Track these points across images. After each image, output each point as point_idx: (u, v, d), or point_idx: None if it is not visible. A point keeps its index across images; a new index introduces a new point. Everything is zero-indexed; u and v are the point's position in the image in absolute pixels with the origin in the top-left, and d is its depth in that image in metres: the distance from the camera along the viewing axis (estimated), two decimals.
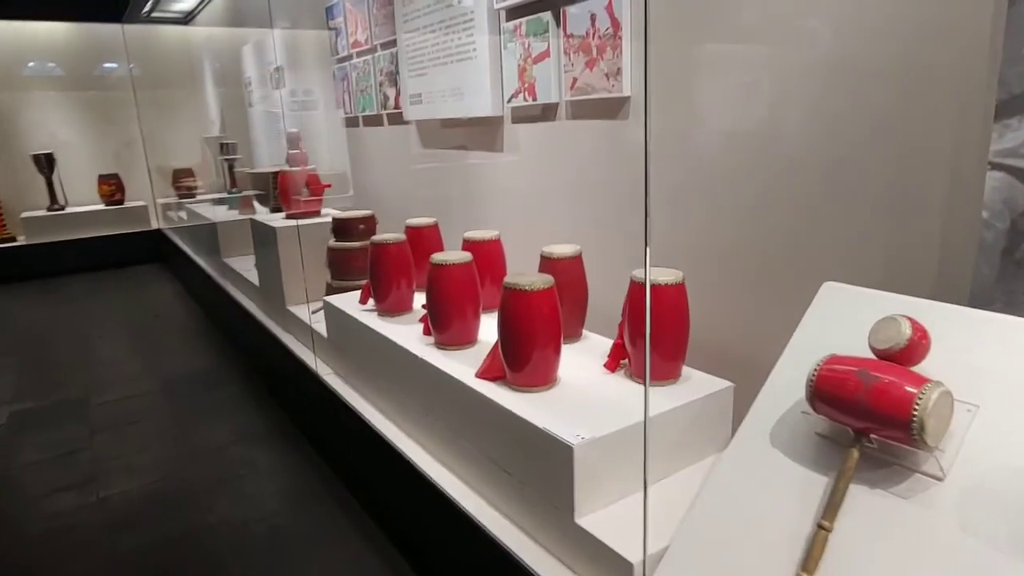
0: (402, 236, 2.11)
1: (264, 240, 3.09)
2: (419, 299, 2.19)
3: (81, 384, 3.38)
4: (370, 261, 2.11)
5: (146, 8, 6.22)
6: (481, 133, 2.43)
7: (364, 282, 2.65)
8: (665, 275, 1.45)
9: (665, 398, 1.43)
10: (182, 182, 6.31)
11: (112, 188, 6.52)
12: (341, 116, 3.56)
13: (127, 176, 6.70)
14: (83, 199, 6.55)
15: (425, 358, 1.73)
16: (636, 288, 1.49)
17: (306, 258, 2.92)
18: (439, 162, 2.74)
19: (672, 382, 1.50)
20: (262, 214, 3.57)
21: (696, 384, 1.50)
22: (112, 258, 6.36)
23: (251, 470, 2.46)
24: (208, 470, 2.47)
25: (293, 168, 3.04)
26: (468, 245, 2.05)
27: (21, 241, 6.11)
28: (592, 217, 1.99)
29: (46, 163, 6.20)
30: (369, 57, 3.08)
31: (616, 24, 1.72)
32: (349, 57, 3.30)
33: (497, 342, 1.55)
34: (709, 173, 1.61)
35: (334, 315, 2.33)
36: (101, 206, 6.52)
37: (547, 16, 1.95)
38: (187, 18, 6.69)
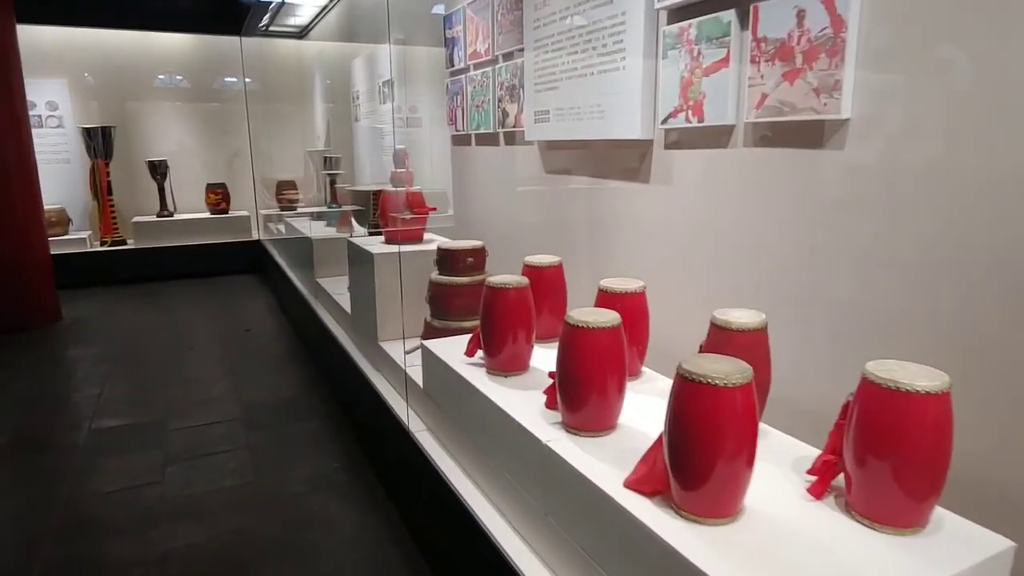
0: (524, 280, 1.74)
1: (360, 264, 2.81)
2: (540, 358, 1.80)
3: (163, 404, 3.21)
4: (483, 306, 1.74)
5: (263, 22, 6.29)
6: (621, 159, 2.03)
7: (468, 324, 2.31)
8: (925, 378, 0.99)
9: (909, 556, 0.96)
10: (284, 194, 6.28)
11: (218, 197, 6.58)
12: (450, 134, 3.27)
13: (233, 186, 6.76)
14: (191, 206, 6.65)
15: (551, 445, 1.33)
16: (873, 391, 1.03)
17: (405, 289, 2.61)
18: (563, 190, 2.37)
19: (915, 532, 1.03)
20: (360, 235, 3.32)
21: (955, 538, 1.02)
22: (213, 266, 6.40)
23: (324, 531, 2.13)
24: (278, 525, 2.16)
25: (397, 188, 2.75)
26: (606, 297, 1.65)
27: (131, 244, 6.23)
28: (775, 275, 1.54)
29: (159, 170, 6.33)
30: (489, 69, 2.76)
31: (839, 22, 1.28)
32: (465, 70, 3.01)
33: (661, 443, 1.13)
34: (979, 229, 1.14)
35: (433, 363, 1.98)
36: (207, 214, 6.60)
37: (729, 15, 1.54)
38: (302, 32, 6.73)
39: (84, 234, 6.09)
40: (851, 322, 1.34)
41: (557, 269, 1.99)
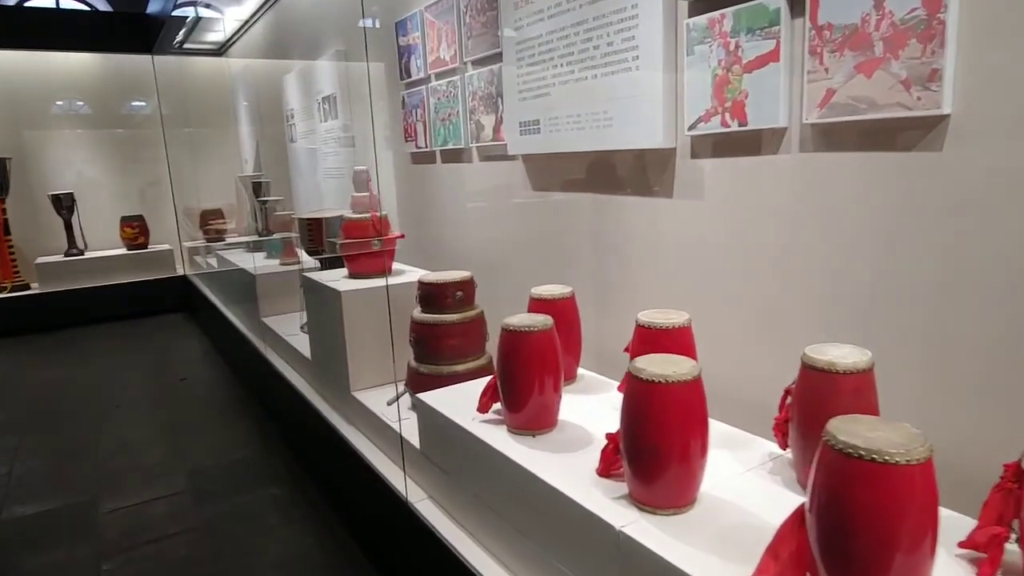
0: (548, 321, 1.46)
1: (322, 303, 2.46)
2: (571, 408, 1.53)
3: (91, 479, 2.74)
4: (502, 354, 1.46)
5: (178, 38, 5.79)
6: (634, 171, 1.80)
7: (462, 367, 2.02)
8: None
9: None
10: (211, 224, 5.78)
11: (135, 231, 5.99)
12: (408, 151, 2.96)
13: (152, 218, 6.17)
14: (104, 242, 6.02)
15: (627, 531, 1.06)
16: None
17: (373, 329, 2.29)
18: (556, 208, 2.11)
19: None
20: (313, 269, 2.97)
21: None
22: (133, 307, 5.80)
23: None
24: None
25: (359, 213, 2.42)
26: (650, 332, 1.40)
27: (35, 289, 5.56)
28: (847, 304, 1.33)
29: (65, 204, 5.69)
30: (456, 79, 2.49)
31: (935, 1, 1.09)
32: (425, 80, 2.72)
33: (793, 528, 0.88)
34: None
35: (432, 418, 1.67)
36: (123, 250, 5.99)
37: (777, 2, 1.33)
38: (221, 49, 6.25)
39: None
40: (990, 366, 1.13)
41: (570, 301, 1.74)
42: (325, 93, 3.77)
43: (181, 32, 5.71)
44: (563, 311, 1.70)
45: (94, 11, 6.27)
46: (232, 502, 2.48)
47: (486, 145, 2.38)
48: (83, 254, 5.81)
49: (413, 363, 2.08)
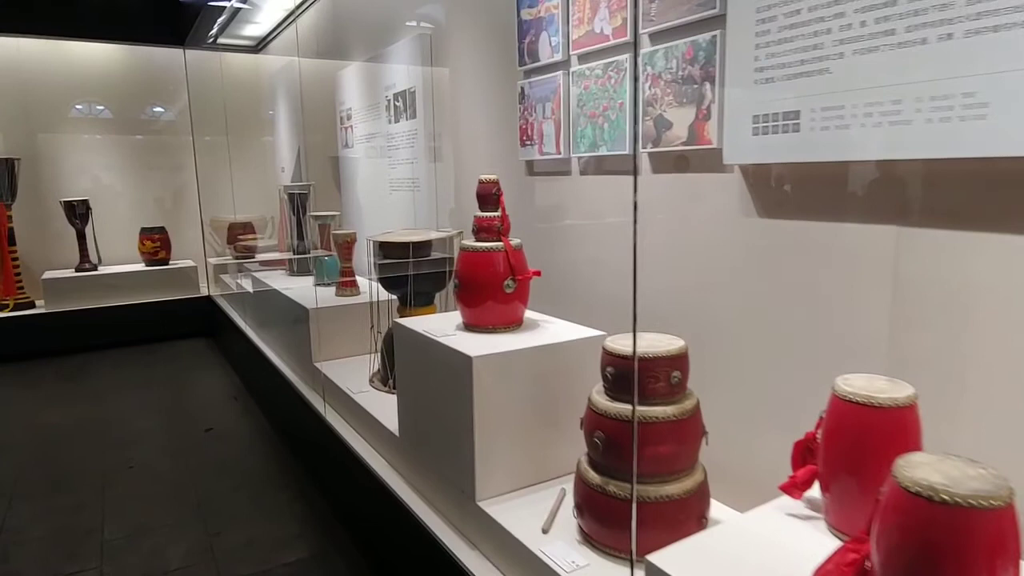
0: (1006, 491, 0.75)
1: (429, 366, 1.75)
2: None
3: None
4: (922, 543, 0.75)
5: (212, 31, 5.16)
6: (1006, 191, 1.08)
7: (675, 489, 1.30)
8: None
9: None
10: (241, 239, 5.11)
11: (156, 244, 5.32)
12: (525, 159, 2.27)
13: (174, 231, 5.51)
14: (120, 257, 5.36)
15: None
16: None
17: (515, 411, 1.58)
18: (814, 248, 1.40)
19: None
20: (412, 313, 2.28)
21: None
22: (151, 330, 5.12)
23: None
24: None
25: (487, 243, 1.72)
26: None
27: (41, 307, 4.89)
28: None
29: (78, 212, 5.04)
30: (622, 59, 1.79)
31: None
32: (562, 64, 2.03)
33: None
34: None
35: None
36: (140, 265, 5.32)
37: None
38: (258, 45, 5.63)
39: None
40: None
41: (912, 410, 1.02)
42: (398, 88, 3.09)
43: (215, 25, 5.09)
44: (902, 423, 1.01)
45: None
46: None
47: (671, 150, 1.68)
48: (96, 269, 5.15)
49: (591, 474, 1.35)
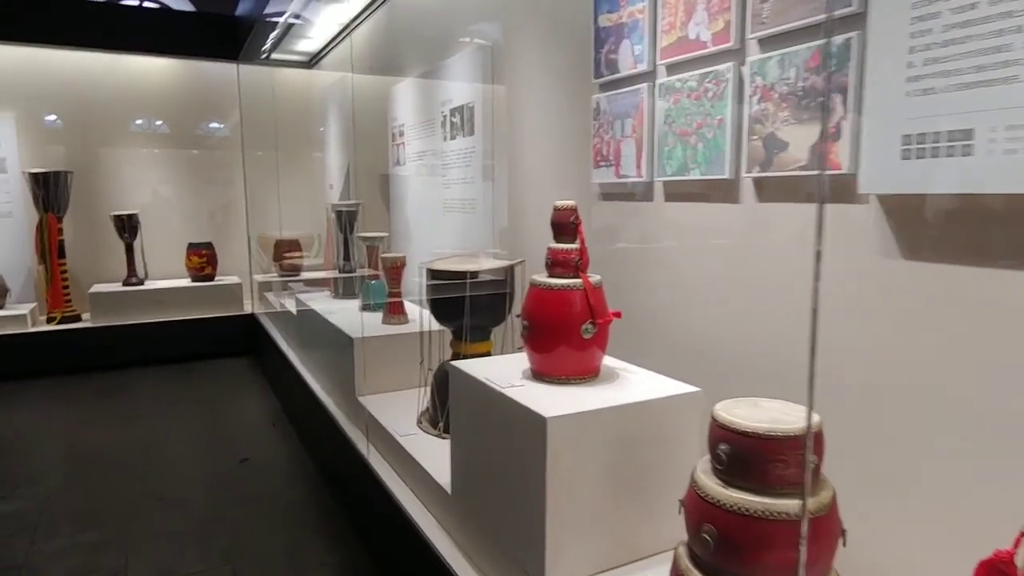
0: None
1: (488, 419, 1.51)
2: None
3: None
4: None
5: (266, 46, 5.10)
6: None
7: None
8: None
9: None
10: (287, 257, 5.00)
11: (203, 260, 5.25)
12: (598, 181, 2.03)
13: (221, 246, 5.44)
14: (167, 272, 5.31)
15: None
16: None
17: (593, 480, 1.33)
18: (969, 300, 1.12)
19: None
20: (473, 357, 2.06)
21: None
22: (194, 347, 5.02)
23: None
24: None
25: (563, 280, 1.48)
26: None
27: (86, 321, 4.85)
28: None
29: (128, 225, 5.00)
30: (723, 68, 1.55)
31: None
32: (646, 76, 1.80)
33: None
34: None
35: None
36: (187, 281, 5.25)
37: None
38: (312, 61, 5.57)
39: (25, 308, 4.70)
40: None
41: None
42: (455, 103, 2.90)
43: (269, 39, 5.03)
44: None
45: (176, 11, 5.68)
46: None
47: (786, 175, 1.42)
48: (143, 283, 5.09)
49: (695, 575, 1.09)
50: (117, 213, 4.98)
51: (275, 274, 5.09)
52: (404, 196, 3.68)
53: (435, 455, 1.98)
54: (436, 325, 2.32)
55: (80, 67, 5.11)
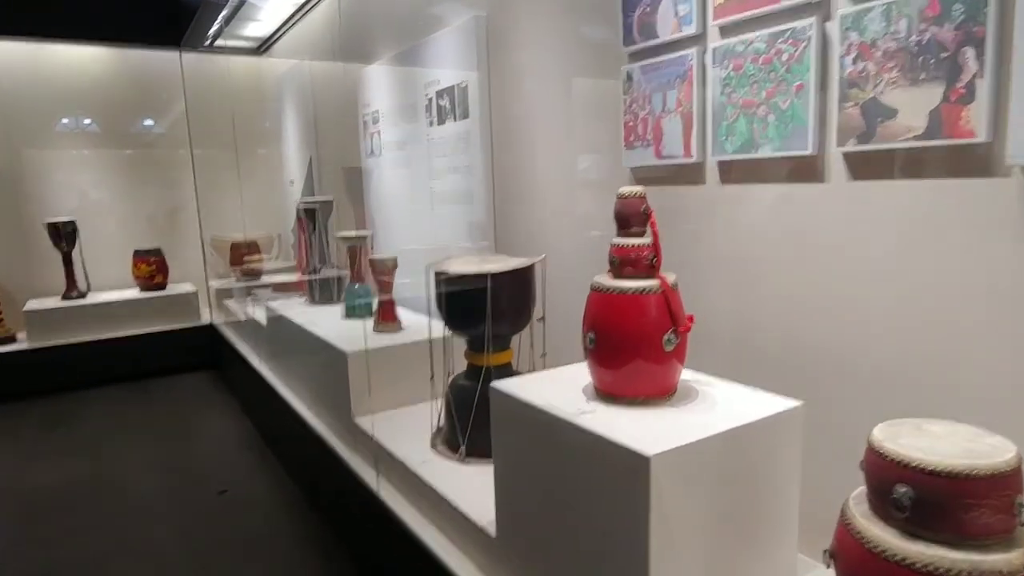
0: None
1: (548, 451, 1.26)
2: None
3: None
4: None
5: (212, 30, 4.66)
6: None
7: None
8: None
9: None
10: (247, 261, 4.61)
11: (152, 268, 4.80)
12: (631, 165, 1.80)
13: (171, 253, 4.99)
14: (112, 282, 4.84)
15: None
16: None
17: (701, 529, 1.10)
18: None
19: None
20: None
21: None
22: (147, 364, 4.59)
23: None
24: None
25: (632, 282, 1.24)
26: None
27: (21, 342, 4.36)
28: None
29: (64, 234, 4.51)
30: (801, 24, 1.32)
31: None
32: (694, 40, 1.56)
33: None
34: None
35: None
36: (135, 292, 4.80)
37: None
38: (261, 47, 5.15)
39: None
40: None
41: None
42: (443, 84, 2.61)
43: (215, 24, 4.59)
44: None
45: None
46: None
47: (894, 148, 1.20)
48: (85, 296, 4.62)
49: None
50: (52, 221, 4.49)
51: (234, 279, 4.70)
52: (381, 189, 3.36)
53: (461, 485, 1.73)
54: (439, 331, 2.05)
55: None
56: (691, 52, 1.57)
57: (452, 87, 2.55)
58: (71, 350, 4.38)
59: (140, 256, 4.80)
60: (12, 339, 4.37)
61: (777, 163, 1.44)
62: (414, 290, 2.61)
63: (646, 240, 1.26)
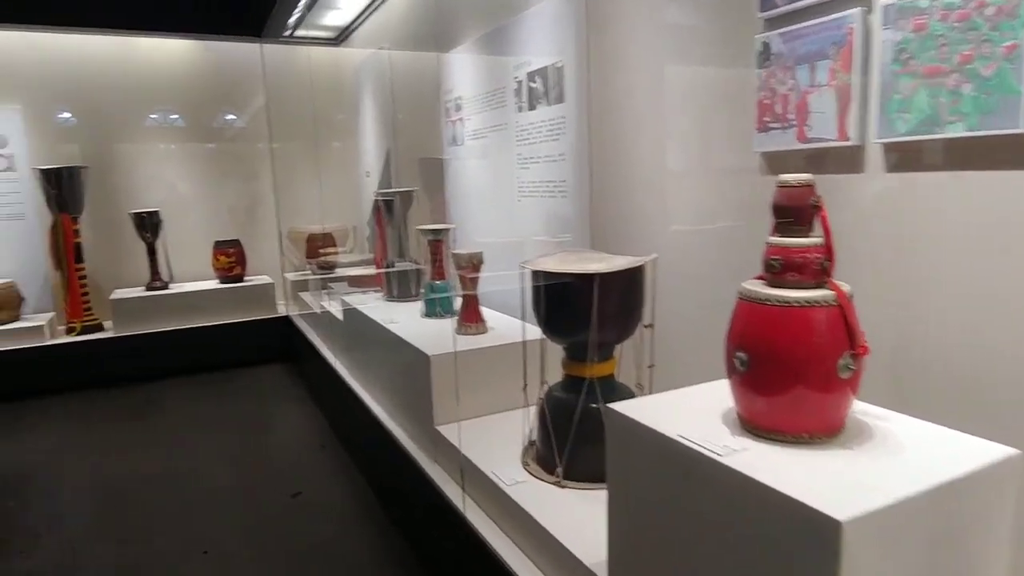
0: None
1: (687, 497, 1.04)
2: None
3: None
4: None
5: (291, 20, 4.61)
6: None
7: None
8: None
9: None
10: (322, 253, 4.57)
11: (231, 260, 4.82)
12: (763, 150, 1.54)
13: (248, 244, 5.00)
14: (192, 273, 4.88)
15: None
16: None
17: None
18: None
19: None
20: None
21: None
22: (224, 355, 4.60)
23: None
24: None
25: (801, 292, 1.00)
26: None
27: (108, 330, 4.44)
28: None
29: (149, 224, 4.57)
30: None
31: None
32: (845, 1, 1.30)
33: None
34: None
35: None
36: (214, 282, 4.83)
37: None
38: (339, 37, 5.08)
39: (42, 319, 4.30)
40: None
41: None
42: (534, 66, 2.41)
43: (294, 15, 4.54)
44: None
45: None
46: None
47: None
48: (168, 287, 4.67)
49: None
50: (137, 211, 4.56)
51: (310, 272, 4.66)
52: (463, 181, 3.19)
53: (559, 512, 1.53)
54: (532, 335, 1.85)
55: (86, 53, 4.65)
56: (853, 12, 1.30)
57: (545, 68, 2.34)
58: (154, 339, 4.43)
59: (220, 247, 4.82)
60: (99, 327, 4.46)
61: (971, 144, 1.16)
62: (498, 286, 2.44)
63: (815, 240, 1.02)
